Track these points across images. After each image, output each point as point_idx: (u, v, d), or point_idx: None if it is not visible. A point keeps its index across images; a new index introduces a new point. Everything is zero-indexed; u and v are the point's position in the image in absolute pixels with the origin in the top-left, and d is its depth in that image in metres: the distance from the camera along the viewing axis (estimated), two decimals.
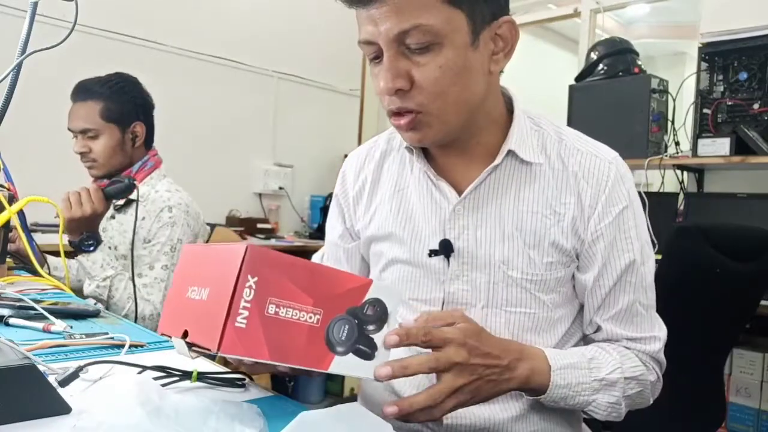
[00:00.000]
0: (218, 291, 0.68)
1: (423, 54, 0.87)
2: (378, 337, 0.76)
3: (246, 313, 0.66)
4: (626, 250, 0.97)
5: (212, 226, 2.06)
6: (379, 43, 0.87)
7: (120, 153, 1.90)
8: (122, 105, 1.89)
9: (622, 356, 0.98)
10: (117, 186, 1.71)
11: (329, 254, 1.22)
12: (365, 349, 0.75)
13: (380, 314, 0.76)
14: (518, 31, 0.97)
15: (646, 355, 1.00)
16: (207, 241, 2.02)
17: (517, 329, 0.98)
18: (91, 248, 1.70)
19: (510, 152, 0.97)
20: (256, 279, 0.67)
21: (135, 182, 1.72)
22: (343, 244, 1.18)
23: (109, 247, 1.87)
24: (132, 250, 1.71)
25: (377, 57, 0.90)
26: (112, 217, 1.93)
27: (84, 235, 1.70)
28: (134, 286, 1.71)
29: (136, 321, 1.71)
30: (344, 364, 0.73)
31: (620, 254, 0.97)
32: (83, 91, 1.87)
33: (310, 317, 0.71)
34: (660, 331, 1.02)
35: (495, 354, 0.84)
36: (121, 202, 1.88)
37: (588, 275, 0.98)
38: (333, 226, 1.20)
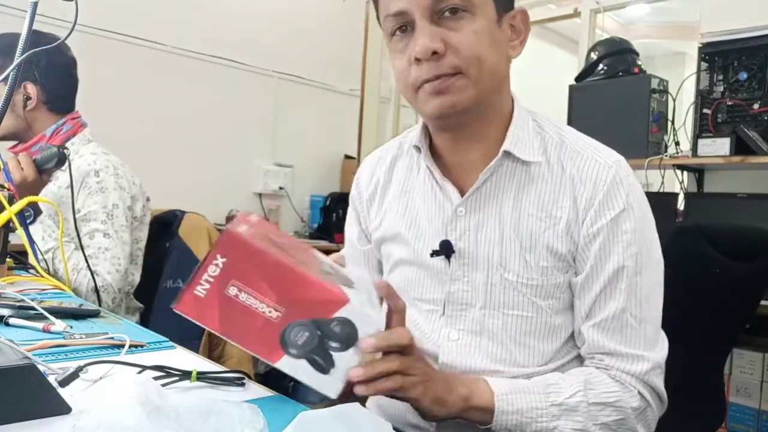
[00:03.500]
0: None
1: (458, 20, 0.90)
2: (339, 357, 0.77)
3: (207, 285, 0.75)
4: (616, 253, 0.93)
5: (182, 213, 2.01)
6: (413, 11, 0.90)
7: (11, 114, 1.74)
8: (4, 60, 1.63)
9: (589, 379, 0.92)
10: (44, 154, 1.63)
11: (349, 255, 1.23)
12: (320, 362, 0.76)
13: (347, 335, 0.76)
14: (530, 21, 1.00)
15: (629, 376, 0.93)
16: (173, 228, 1.98)
17: (515, 332, 0.98)
18: (29, 220, 1.56)
19: (506, 153, 0.97)
20: (224, 260, 0.74)
21: (64, 150, 1.62)
22: (360, 246, 1.19)
23: (52, 219, 1.74)
24: (74, 216, 1.62)
25: (403, 28, 0.93)
26: (71, 189, 1.77)
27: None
28: (84, 255, 1.61)
29: (82, 294, 1.61)
30: (295, 367, 0.76)
31: (608, 257, 0.93)
32: None
33: (270, 311, 0.75)
34: (651, 351, 0.95)
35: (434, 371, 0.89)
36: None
37: (578, 278, 0.96)
38: (351, 228, 1.21)
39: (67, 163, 1.63)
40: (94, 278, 1.61)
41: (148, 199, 1.90)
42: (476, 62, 0.90)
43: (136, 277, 1.84)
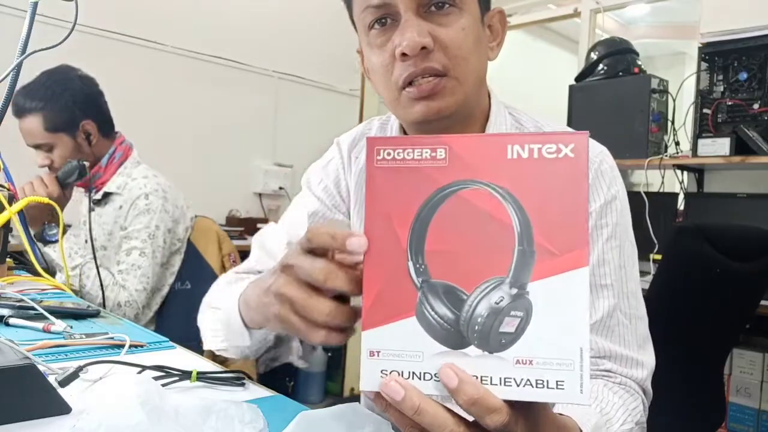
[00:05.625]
0: None
1: (445, 15, 0.85)
2: None
3: None
4: (598, 247, 0.89)
5: (194, 217, 2.04)
6: (398, 3, 0.84)
7: (81, 155, 1.86)
8: (61, 112, 1.81)
9: (624, 397, 0.85)
10: (64, 169, 1.73)
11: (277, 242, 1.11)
12: None
13: None
14: (507, 22, 0.96)
15: (634, 383, 0.89)
16: (191, 228, 2.01)
17: None
18: (54, 238, 1.70)
19: None
20: None
21: (84, 162, 1.74)
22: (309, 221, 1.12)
23: (85, 241, 1.85)
24: (90, 236, 1.72)
25: (383, 21, 0.87)
26: (92, 209, 1.90)
27: (45, 225, 1.70)
28: (98, 274, 1.72)
29: (108, 308, 1.71)
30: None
31: (591, 251, 0.88)
32: (19, 108, 1.81)
33: None
34: (645, 354, 0.91)
35: None
36: (98, 195, 1.88)
37: None
38: (301, 208, 1.12)
39: (89, 184, 1.82)
40: (103, 290, 1.73)
41: (191, 219, 2.00)
42: (463, 62, 0.86)
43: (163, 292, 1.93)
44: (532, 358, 0.49)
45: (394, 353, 0.52)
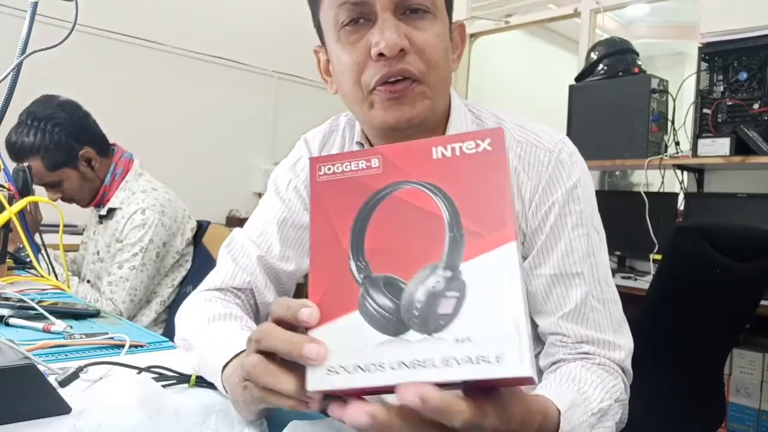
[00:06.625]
0: None
1: (421, 19, 0.84)
2: None
3: None
4: (564, 237, 0.90)
5: (207, 224, 2.08)
6: (376, 2, 0.82)
7: (87, 181, 1.90)
8: (57, 149, 1.83)
9: (603, 376, 0.86)
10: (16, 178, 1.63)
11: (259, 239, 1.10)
12: None
13: None
14: (466, 36, 0.97)
15: (613, 363, 0.89)
16: (197, 238, 2.04)
17: None
18: (28, 259, 1.67)
19: None
20: None
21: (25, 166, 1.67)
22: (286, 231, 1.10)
23: (96, 252, 1.94)
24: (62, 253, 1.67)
25: (356, 20, 0.85)
26: (99, 222, 1.96)
27: (19, 246, 1.70)
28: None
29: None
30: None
31: (557, 242, 0.90)
32: (16, 154, 1.82)
33: None
34: (622, 336, 0.91)
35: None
36: (103, 211, 1.92)
37: (526, 266, 0.92)
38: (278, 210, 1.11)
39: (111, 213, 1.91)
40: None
41: (191, 230, 2.02)
42: (435, 68, 0.85)
43: (163, 298, 1.97)
44: (470, 335, 0.51)
45: (339, 349, 0.53)
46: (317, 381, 0.53)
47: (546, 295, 0.91)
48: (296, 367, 0.56)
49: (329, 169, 0.59)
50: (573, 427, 0.72)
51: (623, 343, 0.90)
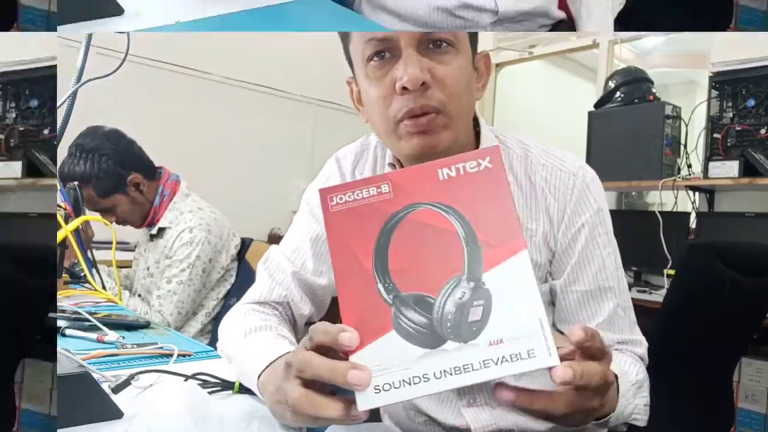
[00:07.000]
0: None
1: (444, 54, 0.86)
2: None
3: None
4: (596, 255, 0.94)
5: (250, 241, 2.17)
6: (400, 38, 0.84)
7: (138, 205, 1.99)
8: (106, 178, 1.91)
9: (633, 359, 0.93)
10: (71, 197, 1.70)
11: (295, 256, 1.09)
12: None
13: None
14: (491, 65, 0.98)
15: (636, 356, 0.95)
16: (240, 254, 2.11)
17: None
18: (82, 273, 1.73)
19: None
20: None
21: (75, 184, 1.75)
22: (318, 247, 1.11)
23: (147, 268, 2.02)
24: (115, 268, 1.76)
25: (382, 54, 0.87)
26: (150, 240, 2.04)
27: (74, 261, 1.78)
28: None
29: None
30: None
31: (591, 261, 0.94)
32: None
33: None
34: (638, 335, 0.98)
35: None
36: (154, 231, 2.00)
37: (561, 283, 0.95)
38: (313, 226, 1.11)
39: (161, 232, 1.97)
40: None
41: (236, 247, 2.09)
42: (456, 100, 0.86)
43: (209, 310, 2.04)
44: (502, 337, 0.55)
45: (382, 368, 0.56)
46: (367, 401, 0.56)
47: (579, 308, 0.95)
48: (338, 390, 0.59)
49: (341, 198, 0.61)
50: (625, 390, 0.79)
51: (641, 340, 0.98)
